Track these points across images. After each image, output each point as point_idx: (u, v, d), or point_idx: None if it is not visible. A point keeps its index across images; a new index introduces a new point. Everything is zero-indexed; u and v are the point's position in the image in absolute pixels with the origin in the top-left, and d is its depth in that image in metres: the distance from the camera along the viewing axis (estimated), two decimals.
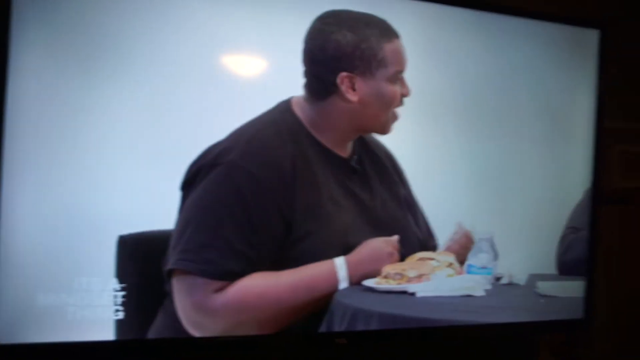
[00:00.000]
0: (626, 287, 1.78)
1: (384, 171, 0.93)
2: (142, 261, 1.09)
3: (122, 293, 1.11)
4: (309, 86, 0.87)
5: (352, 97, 0.81)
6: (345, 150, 0.89)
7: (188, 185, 0.86)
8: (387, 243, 0.91)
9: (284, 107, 0.88)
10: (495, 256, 1.14)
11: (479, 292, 1.02)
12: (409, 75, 1.18)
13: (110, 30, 1.13)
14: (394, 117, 0.89)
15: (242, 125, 0.90)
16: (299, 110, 0.87)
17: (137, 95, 1.16)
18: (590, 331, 1.57)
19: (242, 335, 1.12)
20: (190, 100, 1.18)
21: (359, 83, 0.81)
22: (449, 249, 1.06)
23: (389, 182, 0.94)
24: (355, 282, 0.88)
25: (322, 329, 0.91)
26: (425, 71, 1.36)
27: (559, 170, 1.53)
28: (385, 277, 0.91)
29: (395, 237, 0.93)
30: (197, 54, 1.18)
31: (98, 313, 1.11)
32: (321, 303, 0.87)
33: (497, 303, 1.05)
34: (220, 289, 0.79)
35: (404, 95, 0.89)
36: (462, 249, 0.98)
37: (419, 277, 0.93)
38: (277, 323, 0.85)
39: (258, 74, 1.21)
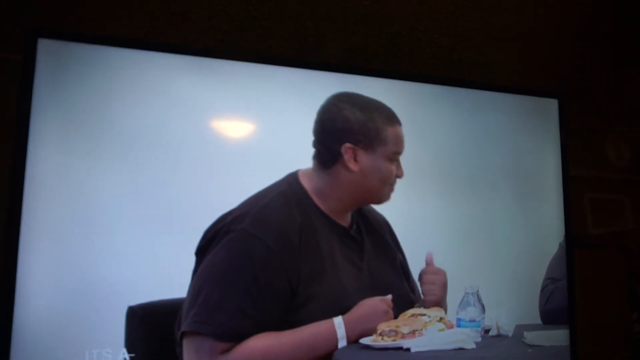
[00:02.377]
0: (610, 330, 1.85)
1: (381, 239, 1.02)
2: (150, 330, 1.14)
3: None
4: (317, 155, 0.96)
5: (354, 167, 0.90)
6: (346, 220, 0.97)
7: (203, 250, 0.91)
8: (382, 302, 0.96)
9: (292, 179, 0.95)
10: (482, 309, 1.21)
11: (470, 345, 1.07)
12: None
13: (118, 117, 1.24)
14: (390, 191, 0.99)
15: (253, 195, 0.97)
16: (305, 181, 0.94)
17: (144, 173, 1.27)
18: None
19: None
20: (192, 175, 1.29)
21: (361, 155, 0.90)
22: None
23: (386, 249, 1.02)
24: (353, 340, 0.92)
25: None
26: (406, 142, 1.51)
27: (535, 225, 1.65)
28: (381, 334, 0.94)
29: (389, 296, 0.99)
30: (196, 130, 1.30)
31: None
32: None
33: (488, 354, 1.10)
34: (226, 350, 0.82)
35: (398, 176, 0.99)
36: (442, 288, 1.04)
37: (413, 332, 0.97)
38: None
39: (255, 145, 1.34)
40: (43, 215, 1.16)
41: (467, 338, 1.08)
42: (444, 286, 1.02)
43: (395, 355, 0.96)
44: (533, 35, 1.84)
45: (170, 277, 1.21)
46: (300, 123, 1.39)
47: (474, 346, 1.08)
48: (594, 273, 1.82)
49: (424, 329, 1.01)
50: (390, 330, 0.95)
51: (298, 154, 1.40)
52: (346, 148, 0.90)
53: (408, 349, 0.97)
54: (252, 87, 1.37)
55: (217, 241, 0.88)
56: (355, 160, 0.90)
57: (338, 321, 0.87)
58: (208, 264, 0.87)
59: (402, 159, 1.34)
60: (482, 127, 1.60)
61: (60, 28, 1.27)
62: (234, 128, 1.37)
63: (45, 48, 1.20)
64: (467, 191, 1.57)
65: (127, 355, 1.17)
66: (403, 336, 0.96)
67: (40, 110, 1.19)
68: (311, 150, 1.15)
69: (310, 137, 1.27)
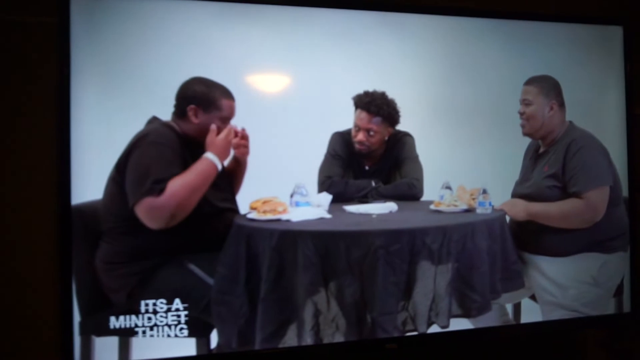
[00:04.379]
0: None
1: None
2: None
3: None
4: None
5: (195, 120, 1.30)
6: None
7: (122, 164, 1.22)
8: (225, 137, 1.33)
9: (162, 122, 1.29)
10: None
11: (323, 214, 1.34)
12: (443, 86, 1.42)
13: (155, 70, 1.25)
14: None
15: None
16: (172, 124, 1.30)
17: None
18: (637, 324, 1.58)
19: (294, 346, 1.22)
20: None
21: (200, 113, 1.29)
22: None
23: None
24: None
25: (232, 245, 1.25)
26: (455, 81, 1.44)
27: None
28: (263, 212, 1.31)
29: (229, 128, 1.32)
30: (234, 79, 1.30)
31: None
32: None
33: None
34: (160, 194, 1.22)
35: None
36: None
37: (284, 210, 1.31)
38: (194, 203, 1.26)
39: (295, 92, 1.34)
40: (90, 172, 1.20)
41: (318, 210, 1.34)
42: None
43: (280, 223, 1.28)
44: None
45: None
46: (341, 65, 1.36)
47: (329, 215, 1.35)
48: None
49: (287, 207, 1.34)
50: (271, 210, 1.31)
51: (340, 98, 1.39)
52: (190, 108, 1.28)
53: (288, 220, 1.29)
54: (290, 32, 1.33)
55: (129, 154, 1.22)
56: (195, 116, 1.29)
57: (210, 154, 1.29)
58: (129, 165, 1.22)
59: (452, 99, 1.42)
60: (537, 61, 1.48)
61: None
62: (272, 75, 1.33)
63: (79, 7, 1.19)
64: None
65: (180, 305, 1.22)
66: (279, 212, 1.30)
67: (80, 70, 1.19)
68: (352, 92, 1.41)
69: (352, 79, 1.38)
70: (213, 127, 1.29)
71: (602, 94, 1.57)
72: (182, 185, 1.22)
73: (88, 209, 1.21)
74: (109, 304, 1.21)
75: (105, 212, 1.22)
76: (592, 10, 1.61)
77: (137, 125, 1.23)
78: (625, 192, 1.53)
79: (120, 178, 1.21)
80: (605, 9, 1.65)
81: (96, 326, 1.20)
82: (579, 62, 1.54)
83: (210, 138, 1.29)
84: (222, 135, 1.29)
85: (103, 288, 1.22)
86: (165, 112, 1.27)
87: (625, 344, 1.69)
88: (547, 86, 1.47)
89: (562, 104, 1.48)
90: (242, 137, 1.32)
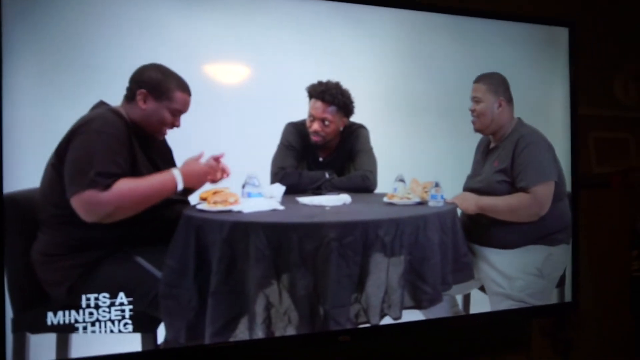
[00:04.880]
0: (610, 267, 1.85)
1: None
2: None
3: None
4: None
5: (142, 105, 1.23)
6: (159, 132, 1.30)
7: (61, 153, 1.15)
8: (205, 165, 1.28)
9: (109, 107, 1.22)
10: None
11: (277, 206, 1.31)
12: (397, 80, 1.42)
13: (98, 54, 1.18)
14: (163, 133, 1.29)
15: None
16: (120, 110, 1.24)
17: None
18: (578, 313, 1.65)
19: (246, 339, 1.19)
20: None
21: (149, 100, 1.22)
22: None
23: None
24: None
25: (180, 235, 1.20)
26: (409, 75, 1.45)
27: None
28: (214, 203, 1.26)
29: (212, 159, 1.28)
30: (184, 66, 1.24)
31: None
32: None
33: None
34: (104, 190, 1.16)
35: (174, 125, 1.27)
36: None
37: (235, 201, 1.27)
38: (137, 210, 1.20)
39: (250, 83, 1.31)
40: (26, 158, 1.13)
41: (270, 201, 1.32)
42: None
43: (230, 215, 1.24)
44: None
45: None
46: (295, 56, 1.34)
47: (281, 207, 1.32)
48: (597, 212, 1.80)
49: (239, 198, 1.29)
50: (222, 201, 1.26)
51: (293, 88, 1.37)
52: (140, 92, 1.23)
53: (239, 211, 1.26)
54: (244, 20, 1.29)
55: (71, 139, 1.15)
56: (144, 102, 1.23)
57: (177, 172, 1.24)
58: (70, 152, 1.14)
59: (406, 92, 1.43)
60: (489, 58, 1.52)
61: None
62: (225, 64, 1.29)
63: None
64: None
65: (125, 299, 1.17)
66: (230, 204, 1.26)
67: (14, 48, 1.11)
68: (306, 83, 1.40)
69: (307, 71, 1.36)
70: (203, 153, 1.25)
71: (548, 93, 1.62)
72: (131, 189, 1.16)
73: (23, 198, 1.13)
74: (46, 299, 1.14)
75: (43, 201, 1.14)
76: (542, 11, 1.67)
77: (79, 110, 1.16)
78: (568, 187, 1.59)
79: (60, 165, 1.13)
80: (553, 11, 1.71)
81: (32, 322, 1.13)
82: (528, 61, 1.58)
83: (192, 160, 1.25)
84: (206, 165, 1.25)
85: (41, 282, 1.14)
86: (109, 98, 1.20)
87: (566, 333, 1.78)
88: (495, 83, 1.51)
89: (510, 101, 1.53)
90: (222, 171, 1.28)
